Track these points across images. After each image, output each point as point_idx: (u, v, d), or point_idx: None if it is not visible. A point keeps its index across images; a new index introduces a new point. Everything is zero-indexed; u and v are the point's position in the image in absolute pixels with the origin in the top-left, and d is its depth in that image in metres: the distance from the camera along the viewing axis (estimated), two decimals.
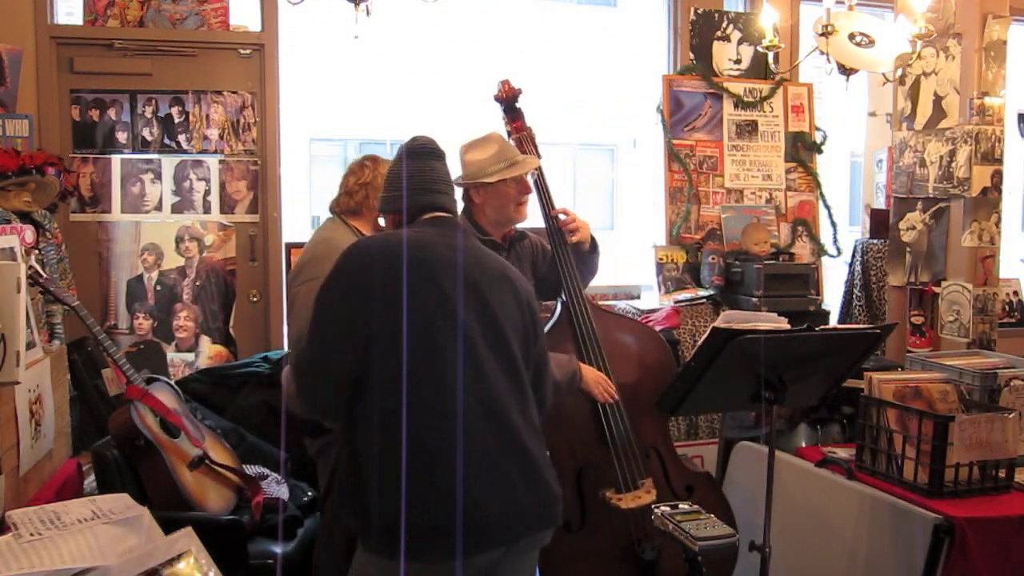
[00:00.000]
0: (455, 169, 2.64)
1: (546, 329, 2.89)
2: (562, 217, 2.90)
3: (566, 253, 2.89)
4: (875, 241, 4.86)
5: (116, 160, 3.99)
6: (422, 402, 1.88)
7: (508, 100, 2.97)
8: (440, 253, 2.00)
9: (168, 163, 4.04)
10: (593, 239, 2.96)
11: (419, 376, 1.88)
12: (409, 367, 1.88)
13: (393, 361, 1.88)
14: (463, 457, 1.85)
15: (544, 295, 2.98)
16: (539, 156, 2.92)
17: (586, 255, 2.95)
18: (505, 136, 2.94)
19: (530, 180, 2.82)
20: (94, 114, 3.96)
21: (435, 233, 2.06)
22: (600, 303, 2.91)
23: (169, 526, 2.03)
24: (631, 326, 3.11)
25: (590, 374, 2.75)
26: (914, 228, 4.40)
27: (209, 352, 4.04)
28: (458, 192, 2.73)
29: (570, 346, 2.83)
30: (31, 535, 1.82)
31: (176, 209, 4.05)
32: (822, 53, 3.59)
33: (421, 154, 2.15)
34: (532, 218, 2.93)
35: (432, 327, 1.92)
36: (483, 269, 2.05)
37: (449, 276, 1.96)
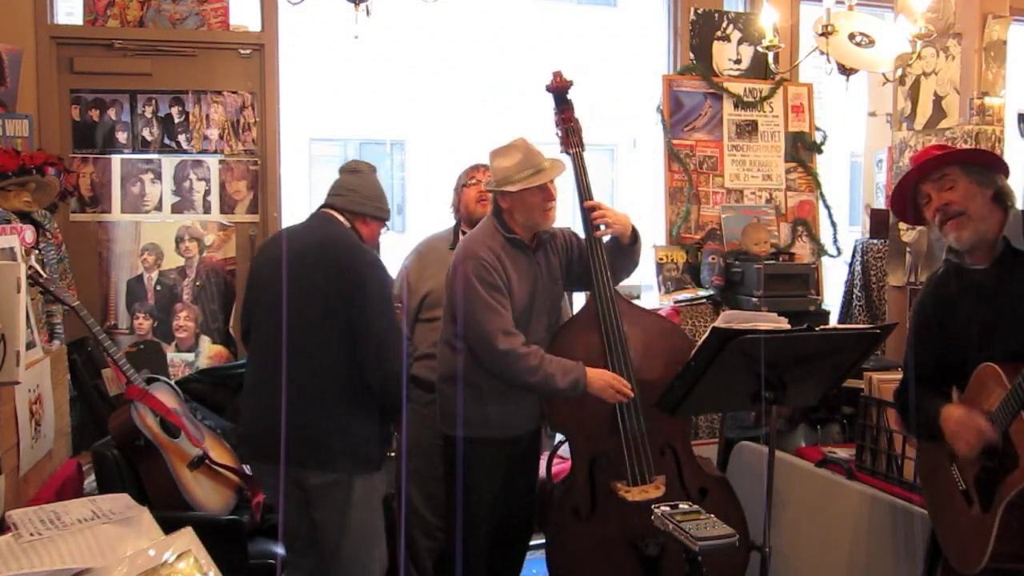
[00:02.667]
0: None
1: (569, 319, 3.01)
2: (595, 211, 2.93)
3: (595, 246, 2.93)
4: (875, 241, 4.86)
5: (116, 160, 3.99)
6: (250, 347, 2.77)
7: (560, 91, 3.04)
8: (286, 236, 2.74)
9: (168, 163, 4.03)
10: (635, 230, 2.99)
11: (252, 329, 2.74)
12: (251, 323, 2.75)
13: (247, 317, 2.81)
14: (254, 387, 2.68)
15: (579, 288, 3.10)
16: (582, 148, 3.01)
17: (626, 247, 2.98)
18: (554, 125, 3.03)
19: (569, 171, 2.90)
20: (94, 114, 3.96)
21: (301, 223, 2.77)
22: (621, 296, 2.96)
23: (169, 526, 2.03)
24: (658, 322, 3.14)
25: (599, 378, 2.77)
26: (914, 228, 4.39)
27: (209, 352, 4.04)
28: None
29: (595, 338, 2.86)
30: (31, 535, 1.81)
31: (176, 209, 4.05)
32: (822, 53, 3.59)
33: (342, 171, 2.80)
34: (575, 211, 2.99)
35: (256, 294, 2.73)
36: (305, 247, 2.62)
37: (274, 255, 2.64)
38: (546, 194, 2.81)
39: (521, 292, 2.81)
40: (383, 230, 2.80)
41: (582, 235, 3.01)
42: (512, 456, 2.88)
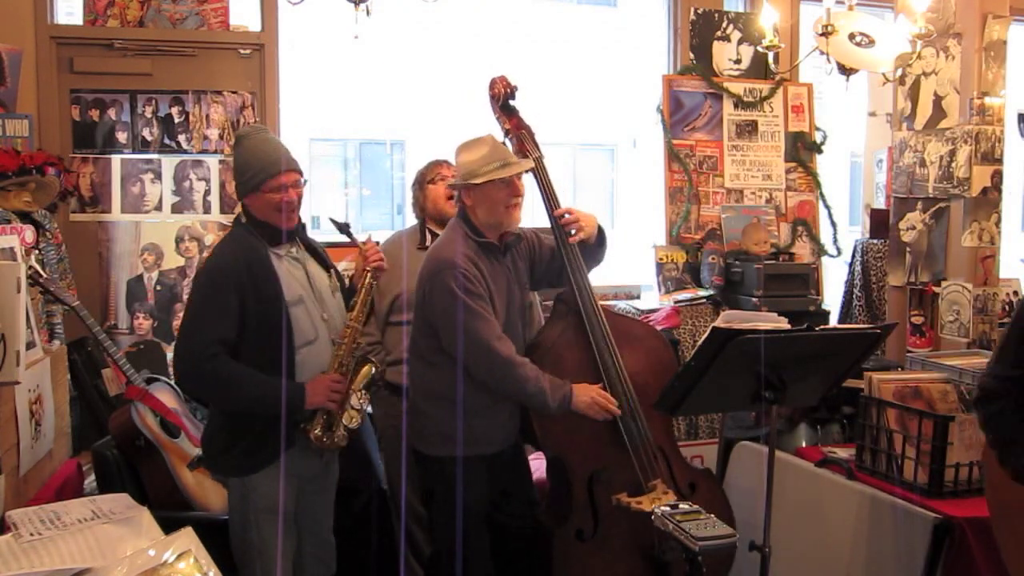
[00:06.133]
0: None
1: (551, 332, 2.87)
2: (566, 216, 2.83)
3: (573, 252, 2.82)
4: (875, 241, 4.86)
5: (116, 160, 3.99)
6: None
7: (503, 97, 2.93)
8: None
9: (168, 163, 4.03)
10: (601, 231, 2.89)
11: None
12: None
13: None
14: None
15: (548, 285, 2.98)
16: (540, 153, 2.88)
17: (593, 248, 2.88)
18: (502, 135, 2.91)
19: (527, 180, 2.77)
20: (94, 114, 3.96)
21: None
22: (599, 303, 2.87)
23: (169, 526, 2.03)
24: (637, 326, 3.08)
25: (584, 395, 2.67)
26: (914, 228, 4.40)
27: None
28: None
29: (585, 352, 2.76)
30: (31, 535, 1.81)
31: (176, 209, 4.05)
32: (822, 53, 3.59)
33: None
34: (538, 217, 2.91)
35: None
36: None
37: None
38: (512, 189, 2.68)
39: (499, 301, 2.70)
40: (286, 185, 2.45)
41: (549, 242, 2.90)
42: (497, 471, 2.76)
